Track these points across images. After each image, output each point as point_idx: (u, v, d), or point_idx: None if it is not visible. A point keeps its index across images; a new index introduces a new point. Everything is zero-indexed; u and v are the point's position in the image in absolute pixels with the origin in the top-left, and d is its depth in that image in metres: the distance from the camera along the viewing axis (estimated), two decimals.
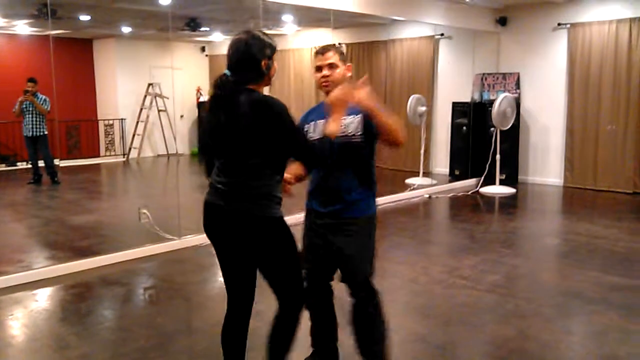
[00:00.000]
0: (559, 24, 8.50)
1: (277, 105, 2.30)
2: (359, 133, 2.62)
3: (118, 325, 3.72)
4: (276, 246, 2.42)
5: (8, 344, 3.43)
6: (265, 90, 2.51)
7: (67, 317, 3.79)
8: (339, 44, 10.67)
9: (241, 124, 2.28)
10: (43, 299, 4.15)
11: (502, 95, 8.10)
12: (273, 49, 2.38)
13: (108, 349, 3.30)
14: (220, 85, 2.35)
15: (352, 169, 2.66)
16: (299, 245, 2.56)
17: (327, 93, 2.58)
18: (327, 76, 2.61)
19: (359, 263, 2.70)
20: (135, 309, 4.04)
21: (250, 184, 2.34)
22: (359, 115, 2.61)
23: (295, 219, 3.01)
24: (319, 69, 2.64)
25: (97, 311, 3.97)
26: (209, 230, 2.47)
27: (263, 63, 2.34)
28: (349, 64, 2.71)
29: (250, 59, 2.32)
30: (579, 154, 8.46)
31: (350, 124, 2.61)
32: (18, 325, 3.66)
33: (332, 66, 2.61)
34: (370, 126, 2.60)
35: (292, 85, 11.60)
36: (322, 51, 2.65)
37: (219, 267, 2.53)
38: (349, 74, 2.68)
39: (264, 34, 2.40)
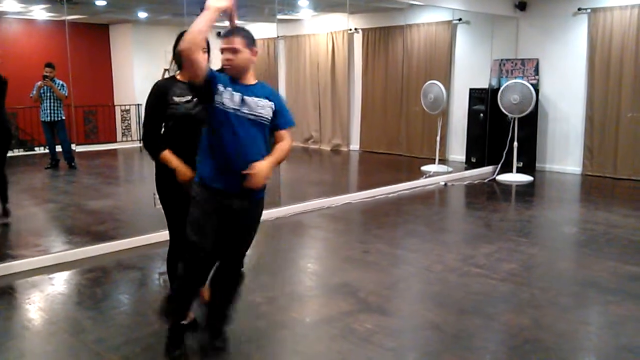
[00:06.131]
0: (579, 9, 8.34)
1: None
2: (268, 117, 2.82)
3: (133, 309, 3.76)
4: None
5: (25, 328, 3.47)
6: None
7: (83, 302, 3.83)
8: (355, 29, 10.62)
9: None
10: (59, 283, 4.20)
11: (505, 84, 8.00)
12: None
13: (123, 334, 3.33)
14: None
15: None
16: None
17: (230, 74, 2.77)
18: (230, 60, 2.74)
19: None
20: (151, 294, 4.07)
21: None
22: (272, 103, 2.81)
23: None
24: (222, 51, 2.78)
25: (113, 295, 4.01)
26: None
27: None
28: (255, 49, 2.81)
29: None
30: (599, 141, 8.33)
31: (265, 106, 2.79)
32: (35, 309, 3.71)
33: (235, 51, 2.74)
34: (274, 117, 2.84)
35: (307, 71, 11.54)
36: (227, 35, 2.78)
37: None
38: (254, 58, 2.80)
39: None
